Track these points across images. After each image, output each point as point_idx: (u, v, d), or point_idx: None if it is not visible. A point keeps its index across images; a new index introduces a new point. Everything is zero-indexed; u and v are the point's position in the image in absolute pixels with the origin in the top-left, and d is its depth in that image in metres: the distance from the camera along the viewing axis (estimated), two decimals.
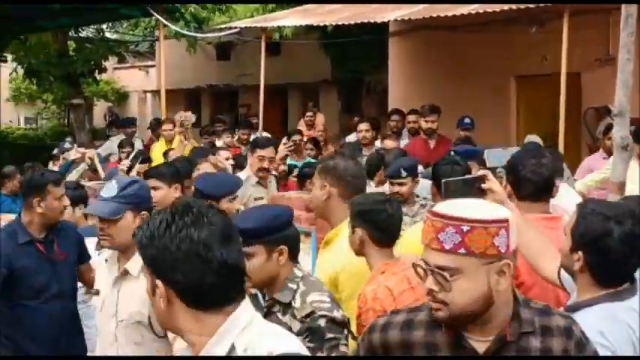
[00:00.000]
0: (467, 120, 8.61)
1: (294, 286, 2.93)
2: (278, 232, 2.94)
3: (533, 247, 2.97)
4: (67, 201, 4.49)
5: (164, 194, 4.64)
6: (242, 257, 1.85)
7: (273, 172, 6.56)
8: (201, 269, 1.74)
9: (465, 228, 1.94)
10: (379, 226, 3.28)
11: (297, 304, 2.89)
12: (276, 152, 6.43)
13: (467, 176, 3.42)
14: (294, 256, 3.01)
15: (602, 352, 2.33)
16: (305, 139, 9.53)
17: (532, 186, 3.40)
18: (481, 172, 3.20)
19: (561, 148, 7.61)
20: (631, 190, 5.33)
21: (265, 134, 10.82)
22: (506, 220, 1.95)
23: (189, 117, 8.36)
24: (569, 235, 2.68)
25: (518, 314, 2.00)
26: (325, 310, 2.86)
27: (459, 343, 2.02)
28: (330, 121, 15.16)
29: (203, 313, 1.78)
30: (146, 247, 1.79)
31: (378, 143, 8.68)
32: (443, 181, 3.22)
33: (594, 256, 2.58)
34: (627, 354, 2.49)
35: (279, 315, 2.91)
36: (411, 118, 9.10)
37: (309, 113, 12.18)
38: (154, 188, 4.56)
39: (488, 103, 10.01)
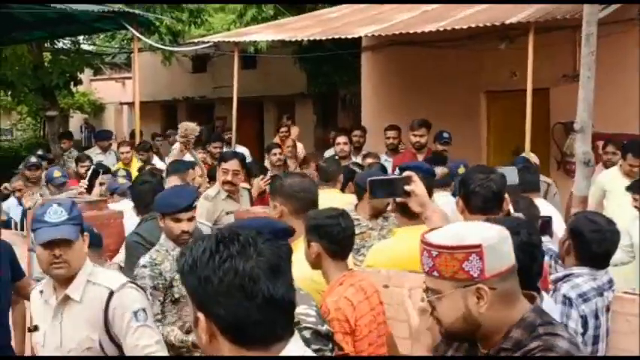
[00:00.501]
0: (445, 134, 8.67)
1: None
2: None
3: None
4: (4, 216, 4.56)
5: None
6: (292, 291, 1.70)
7: (244, 185, 6.61)
8: (245, 305, 1.61)
9: (434, 253, 2.05)
10: (333, 240, 3.37)
11: None
12: (243, 166, 6.45)
13: (392, 176, 3.57)
14: None
15: None
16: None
17: (480, 199, 3.53)
18: (406, 174, 3.34)
19: None
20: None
21: (242, 148, 10.86)
22: (478, 246, 1.99)
23: (194, 129, 8.35)
24: None
25: (508, 332, 2.07)
26: (310, 323, 2.95)
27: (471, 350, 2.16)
28: (306, 135, 15.25)
29: (247, 351, 1.65)
30: (188, 275, 1.67)
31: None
32: (368, 179, 3.39)
33: None
34: None
35: None
36: (390, 134, 9.14)
37: (284, 129, 12.13)
38: None
39: (458, 118, 10.14)
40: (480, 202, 3.50)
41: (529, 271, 2.69)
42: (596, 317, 3.44)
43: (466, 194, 3.58)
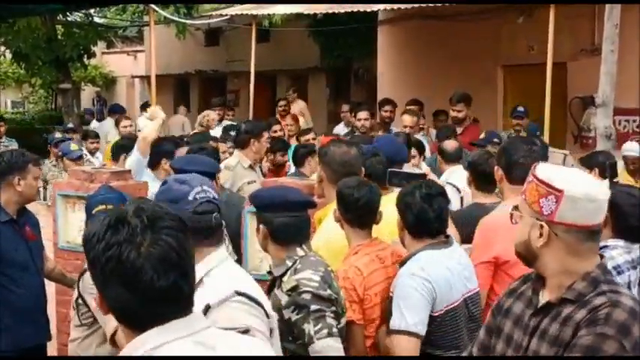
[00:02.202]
0: (520, 109, 8.55)
1: (290, 263, 3.14)
2: (258, 210, 3.28)
3: None
4: (40, 182, 4.64)
5: None
6: (187, 280, 1.66)
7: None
8: (127, 294, 1.60)
9: (529, 179, 2.26)
10: (348, 209, 3.54)
11: (285, 278, 3.12)
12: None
13: (411, 171, 4.37)
14: (282, 239, 3.19)
15: (419, 281, 3.18)
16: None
17: (523, 170, 3.56)
18: (423, 171, 4.09)
19: (547, 137, 7.74)
20: None
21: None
22: (560, 191, 2.15)
23: (212, 119, 8.13)
24: None
25: (572, 284, 2.18)
26: (311, 287, 3.05)
27: (535, 294, 2.29)
28: (319, 108, 15.24)
29: (138, 335, 1.66)
30: (84, 251, 1.69)
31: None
32: (389, 170, 4.11)
33: (407, 215, 3.37)
34: (443, 287, 3.24)
35: (276, 289, 3.15)
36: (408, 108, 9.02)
37: (282, 102, 11.65)
38: None
39: (475, 91, 10.04)
40: (524, 172, 3.55)
41: (431, 217, 3.34)
42: (629, 290, 3.47)
43: (508, 164, 3.70)
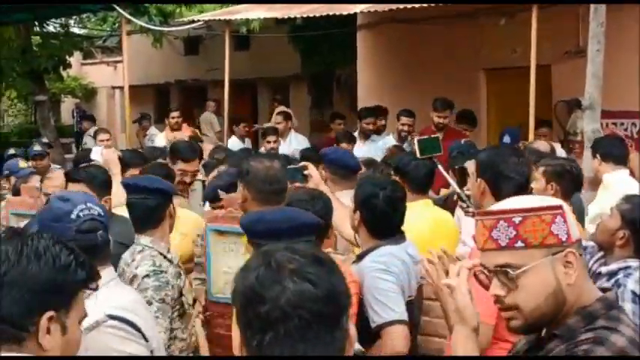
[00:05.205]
0: (506, 138, 8.04)
1: None
2: (254, 237, 3.05)
3: (337, 216, 3.74)
4: None
5: None
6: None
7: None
8: None
9: (517, 219, 1.83)
10: None
11: None
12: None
13: (291, 166, 4.59)
14: None
15: (390, 277, 3.28)
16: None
17: (512, 184, 3.17)
18: (302, 164, 4.45)
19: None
20: None
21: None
22: (560, 207, 1.84)
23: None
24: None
25: (564, 318, 1.86)
26: None
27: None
28: (302, 117, 14.94)
29: None
30: None
31: None
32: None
33: (369, 216, 3.43)
34: (405, 281, 3.39)
35: None
36: (405, 120, 8.74)
37: (175, 114, 10.70)
38: None
39: (458, 96, 9.80)
40: (512, 186, 3.25)
41: (392, 218, 3.45)
42: None
43: (495, 177, 3.20)
